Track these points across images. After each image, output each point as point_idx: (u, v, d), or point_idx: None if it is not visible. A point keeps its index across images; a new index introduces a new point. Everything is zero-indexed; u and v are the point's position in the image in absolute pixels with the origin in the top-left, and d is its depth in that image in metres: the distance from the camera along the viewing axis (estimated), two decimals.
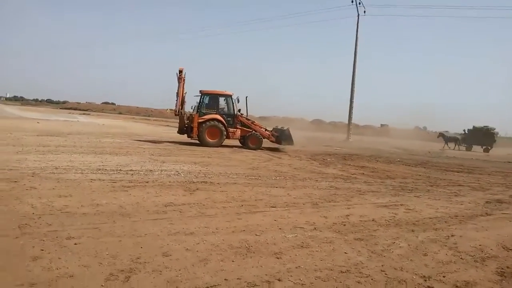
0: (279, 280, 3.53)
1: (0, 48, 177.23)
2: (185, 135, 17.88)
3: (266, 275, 3.62)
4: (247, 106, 18.30)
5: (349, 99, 39.21)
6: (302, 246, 4.53)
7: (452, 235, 5.46)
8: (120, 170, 8.53)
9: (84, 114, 59.38)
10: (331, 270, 3.88)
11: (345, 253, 4.42)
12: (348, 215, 6.17)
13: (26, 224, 4.44)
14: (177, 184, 7.52)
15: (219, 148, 16.88)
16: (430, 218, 6.42)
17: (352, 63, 38.92)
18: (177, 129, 18.66)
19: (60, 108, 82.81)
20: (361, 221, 5.89)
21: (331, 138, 35.57)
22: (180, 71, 17.53)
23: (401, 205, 7.31)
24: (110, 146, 13.58)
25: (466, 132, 44.08)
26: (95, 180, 7.23)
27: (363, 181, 10.15)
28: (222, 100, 18.29)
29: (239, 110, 18.16)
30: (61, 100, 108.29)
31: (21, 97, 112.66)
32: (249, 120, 18.60)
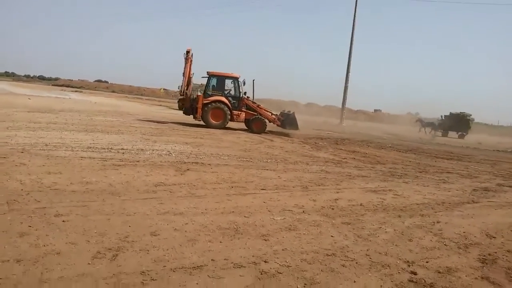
0: (265, 261, 3.58)
1: None
2: (191, 116, 17.82)
3: (253, 256, 3.67)
4: (253, 89, 18.15)
5: (344, 84, 39.16)
6: (289, 229, 4.58)
7: (438, 222, 5.55)
8: (111, 148, 8.50)
9: (76, 91, 58.79)
10: (317, 253, 3.93)
11: (332, 236, 4.48)
12: (337, 199, 6.23)
13: (14, 200, 4.44)
14: (168, 164, 7.52)
15: (211, 129, 16.85)
16: (417, 204, 6.51)
17: (349, 47, 38.74)
18: (178, 109, 18.59)
19: (52, 85, 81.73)
20: (349, 205, 5.96)
21: (324, 122, 35.54)
22: (188, 52, 17.39)
23: (389, 190, 7.39)
24: (102, 124, 13.49)
25: (443, 118, 44.65)
26: (85, 158, 7.21)
27: (353, 166, 10.22)
28: (228, 82, 18.17)
29: (245, 93, 18.01)
30: (53, 76, 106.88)
31: (13, 73, 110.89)
32: (255, 103, 18.36)
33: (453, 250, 4.48)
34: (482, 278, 3.76)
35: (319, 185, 7.19)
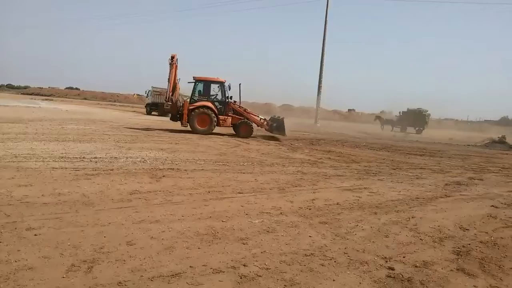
0: (244, 265, 3.57)
1: None
2: (179, 122, 17.66)
3: (232, 260, 3.65)
4: (240, 93, 18.01)
5: (317, 84, 39.49)
6: (268, 231, 4.58)
7: (412, 217, 5.66)
8: (84, 157, 8.32)
9: (47, 99, 57.41)
10: (296, 253, 3.95)
11: (310, 236, 4.50)
12: (314, 199, 6.28)
13: None
14: (143, 171, 7.41)
15: (187, 134, 16.72)
16: (392, 200, 6.62)
17: (321, 47, 39.10)
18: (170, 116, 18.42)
19: (22, 94, 79.57)
20: (326, 205, 6.01)
21: (300, 123, 35.78)
22: (172, 57, 17.23)
23: (365, 188, 7.49)
24: (74, 133, 13.19)
25: (401, 114, 45.97)
26: (57, 168, 7.02)
27: (329, 166, 10.33)
28: (214, 87, 18.01)
29: (231, 97, 17.87)
30: (22, 85, 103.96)
31: None
32: (241, 107, 18.23)
33: (429, 244, 4.57)
34: (457, 270, 3.85)
35: (295, 186, 7.22)
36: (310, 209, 5.70)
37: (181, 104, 17.43)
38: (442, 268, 3.85)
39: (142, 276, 3.18)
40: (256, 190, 6.67)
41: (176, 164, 8.55)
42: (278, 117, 19.51)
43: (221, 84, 17.93)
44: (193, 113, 17.09)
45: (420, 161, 13.37)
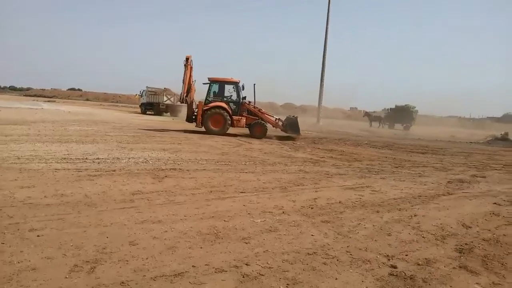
0: (247, 264, 3.57)
1: None
2: (194, 123, 17.70)
3: (234, 260, 3.66)
4: (254, 94, 17.95)
5: (319, 82, 39.45)
6: (270, 230, 4.58)
7: (415, 215, 5.65)
8: (86, 158, 8.34)
9: (49, 101, 57.51)
10: (298, 252, 3.95)
11: (312, 235, 4.51)
12: (316, 198, 6.28)
13: None
14: (145, 172, 7.42)
15: (189, 134, 16.75)
16: (395, 199, 6.62)
17: (323, 45, 39.06)
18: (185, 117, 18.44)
19: (24, 95, 79.78)
20: (328, 203, 6.01)
21: (302, 121, 35.80)
22: (187, 59, 17.27)
23: (367, 187, 7.49)
24: (76, 134, 13.22)
25: (389, 110, 46.35)
26: (59, 169, 7.04)
27: (331, 164, 10.33)
28: (228, 88, 18.04)
29: (245, 98, 17.87)
30: (25, 86, 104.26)
31: None
32: (256, 108, 18.16)
33: (431, 242, 4.57)
34: (460, 267, 3.85)
35: (298, 185, 7.22)
36: (312, 208, 5.71)
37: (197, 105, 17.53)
38: (444, 266, 3.85)
39: (145, 276, 3.19)
40: (258, 189, 6.68)
41: (178, 164, 8.56)
42: (293, 116, 19.41)
43: (235, 84, 17.94)
44: (207, 114, 17.14)
45: (422, 159, 13.34)
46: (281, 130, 18.57)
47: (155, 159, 8.98)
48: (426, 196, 6.99)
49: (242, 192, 6.38)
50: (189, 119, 18.01)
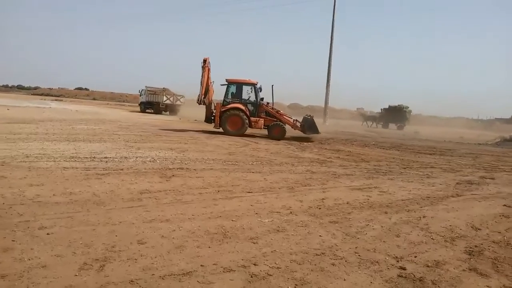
0: (255, 264, 3.57)
1: None
2: (212, 124, 17.77)
3: (242, 259, 3.65)
4: (272, 95, 17.99)
5: (326, 83, 39.38)
6: (278, 230, 4.57)
7: (423, 216, 5.62)
8: (94, 157, 8.38)
9: (56, 100, 57.86)
10: (306, 253, 3.94)
11: (320, 236, 4.49)
12: (324, 199, 6.26)
13: None
14: (153, 171, 7.44)
15: (195, 133, 16.79)
16: (403, 200, 6.58)
17: (329, 46, 38.98)
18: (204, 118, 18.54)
19: (32, 94, 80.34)
20: (336, 204, 5.99)
21: None
22: (205, 60, 17.38)
23: (375, 187, 7.46)
24: (84, 133, 13.30)
25: (382, 111, 46.71)
26: (68, 168, 7.08)
27: (338, 165, 10.29)
28: (246, 89, 18.04)
29: (262, 99, 17.87)
30: (33, 86, 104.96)
31: None
32: (274, 109, 18.14)
33: (440, 243, 4.54)
34: (469, 269, 3.82)
35: (305, 186, 7.21)
36: (320, 208, 5.69)
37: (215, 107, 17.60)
38: (454, 268, 3.82)
39: (154, 274, 3.20)
40: (265, 189, 6.67)
41: (186, 164, 8.58)
42: (308, 115, 19.36)
43: (253, 86, 17.92)
44: (225, 115, 17.18)
45: (430, 160, 13.27)
46: (300, 131, 18.48)
47: (162, 158, 9.01)
48: (434, 197, 6.95)
49: (249, 192, 6.38)
50: (208, 120, 18.08)
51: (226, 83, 17.87)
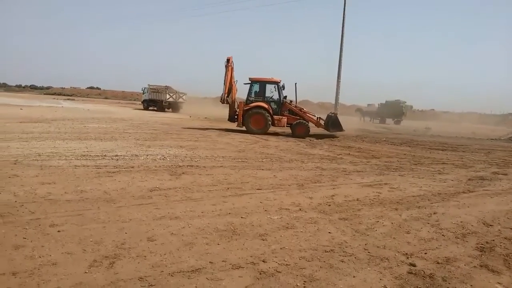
0: (264, 261, 3.57)
1: None
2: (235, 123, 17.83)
3: (251, 256, 3.66)
4: (296, 93, 17.95)
5: (336, 79, 39.06)
6: (287, 227, 4.57)
7: (434, 213, 5.56)
8: (105, 155, 8.46)
9: (68, 99, 58.49)
10: (316, 250, 3.93)
11: (330, 233, 4.48)
12: (333, 195, 6.23)
13: (8, 212, 4.39)
14: (163, 169, 7.49)
15: (205, 131, 16.84)
16: (414, 196, 6.52)
17: (340, 42, 38.62)
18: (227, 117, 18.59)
19: (45, 94, 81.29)
20: (345, 201, 5.96)
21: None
22: (228, 60, 17.46)
23: (385, 184, 7.40)
24: (95, 131, 13.42)
25: (379, 106, 46.80)
26: (79, 166, 7.16)
27: (348, 161, 10.24)
28: (269, 87, 18.00)
29: (285, 97, 17.85)
30: (45, 85, 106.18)
31: (4, 83, 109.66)
32: (297, 107, 18.10)
33: (451, 240, 4.49)
34: (481, 266, 3.77)
35: (315, 182, 7.18)
36: (329, 205, 5.67)
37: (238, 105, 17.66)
38: (465, 265, 3.77)
39: (163, 271, 3.22)
40: (275, 186, 6.66)
41: (196, 161, 8.61)
42: (332, 113, 19.25)
43: (276, 84, 17.87)
44: (248, 113, 17.20)
45: (442, 156, 13.12)
46: (324, 128, 18.39)
47: (172, 156, 9.05)
48: (446, 193, 6.87)
49: (259, 189, 6.38)
50: (231, 119, 18.10)
51: (249, 82, 17.85)
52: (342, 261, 3.68)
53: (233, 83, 17.72)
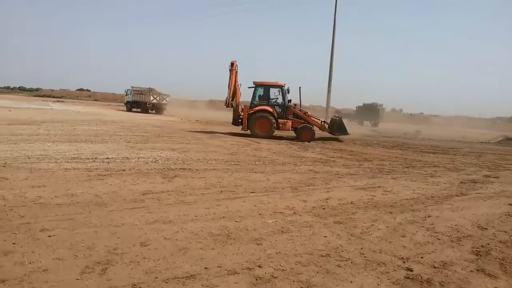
0: (259, 266, 3.51)
1: None
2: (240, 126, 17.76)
3: (246, 261, 3.60)
4: (300, 96, 17.93)
5: (327, 82, 39.16)
6: (282, 231, 4.52)
7: (429, 216, 5.56)
8: (96, 158, 8.34)
9: (58, 101, 57.87)
10: (311, 254, 3.88)
11: (325, 237, 4.43)
12: (327, 199, 6.20)
13: None
14: (155, 172, 7.39)
15: (197, 133, 16.75)
16: (407, 199, 6.52)
17: (330, 45, 38.76)
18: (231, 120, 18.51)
19: (34, 96, 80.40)
20: (340, 204, 5.93)
21: None
22: (232, 64, 17.40)
23: (378, 187, 7.39)
24: (85, 133, 13.25)
25: (357, 108, 48.13)
26: (69, 169, 7.04)
27: (341, 164, 10.23)
28: (273, 91, 17.96)
29: (290, 101, 17.80)
30: (34, 87, 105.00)
31: None
32: (302, 111, 18.09)
33: (447, 243, 4.48)
34: (477, 270, 3.75)
35: (308, 186, 7.15)
36: (324, 208, 5.63)
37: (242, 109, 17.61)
38: (461, 269, 3.75)
39: (157, 277, 3.14)
40: (268, 189, 6.62)
41: (188, 164, 8.53)
42: (336, 117, 19.29)
43: (280, 87, 17.82)
44: (252, 117, 17.14)
45: (433, 159, 13.19)
46: (328, 132, 18.42)
47: (164, 159, 8.96)
48: (439, 196, 6.88)
49: (252, 192, 6.32)
50: (235, 122, 18.04)
51: (254, 85, 17.82)
52: (339, 266, 3.64)
53: (237, 87, 17.72)
